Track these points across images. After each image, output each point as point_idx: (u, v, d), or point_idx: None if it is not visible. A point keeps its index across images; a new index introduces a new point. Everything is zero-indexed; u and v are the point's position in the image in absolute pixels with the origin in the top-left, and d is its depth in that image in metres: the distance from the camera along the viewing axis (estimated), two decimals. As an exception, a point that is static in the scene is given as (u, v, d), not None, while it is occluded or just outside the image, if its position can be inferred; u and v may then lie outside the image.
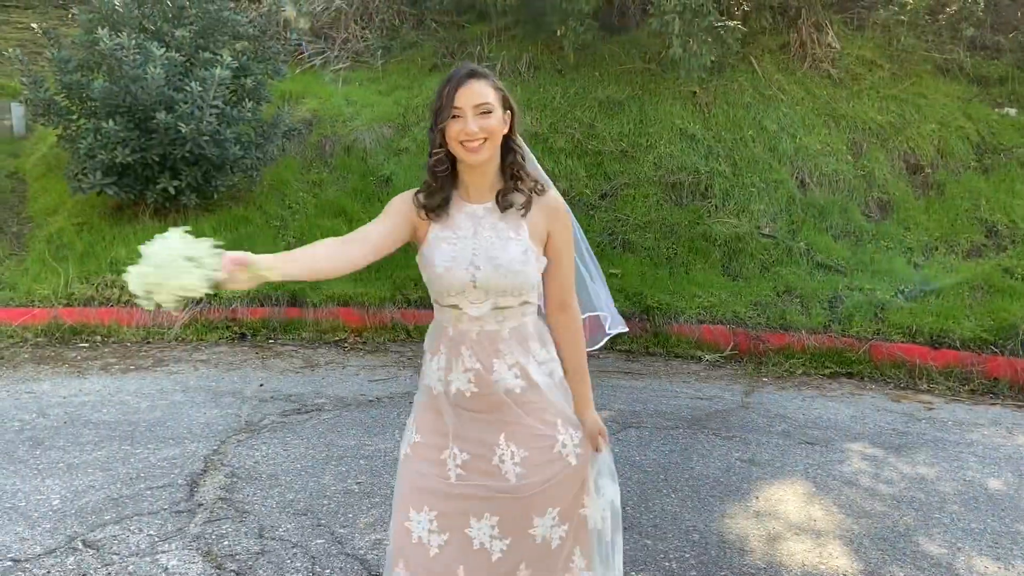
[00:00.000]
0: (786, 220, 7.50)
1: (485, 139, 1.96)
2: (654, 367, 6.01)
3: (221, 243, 1.69)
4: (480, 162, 1.99)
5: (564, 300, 2.11)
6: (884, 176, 7.91)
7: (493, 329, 2.03)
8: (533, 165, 2.13)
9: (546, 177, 2.14)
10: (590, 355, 2.17)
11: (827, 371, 5.94)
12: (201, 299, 6.50)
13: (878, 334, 6.12)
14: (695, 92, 8.45)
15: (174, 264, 1.62)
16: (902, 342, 6.01)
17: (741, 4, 8.24)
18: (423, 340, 2.15)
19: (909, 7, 8.49)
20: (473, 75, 1.99)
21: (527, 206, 2.05)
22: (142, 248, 1.66)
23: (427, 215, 2.03)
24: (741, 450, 4.43)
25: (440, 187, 2.04)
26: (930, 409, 5.25)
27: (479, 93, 1.97)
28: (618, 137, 8.19)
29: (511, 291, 2.01)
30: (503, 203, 2.04)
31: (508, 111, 2.03)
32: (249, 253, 1.71)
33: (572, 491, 2.06)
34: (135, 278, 1.64)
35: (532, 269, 2.02)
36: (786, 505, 3.78)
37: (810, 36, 8.81)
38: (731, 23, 7.69)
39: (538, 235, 2.04)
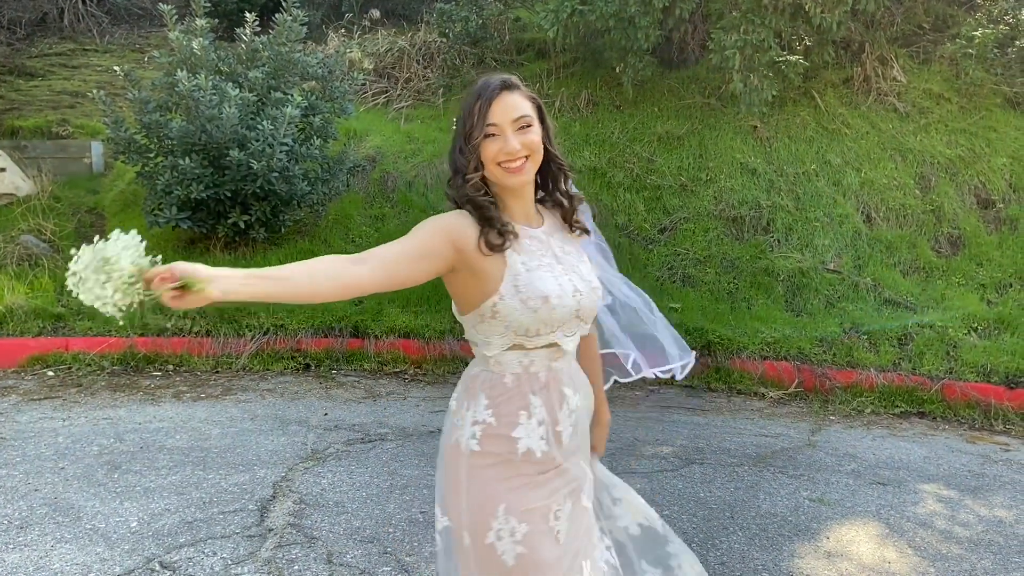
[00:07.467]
0: (852, 255, 7.36)
1: (527, 156, 1.73)
2: (716, 403, 5.93)
3: (159, 258, 1.48)
4: (523, 183, 1.76)
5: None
6: (954, 211, 7.73)
7: (574, 364, 1.86)
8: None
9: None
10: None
11: (897, 410, 5.78)
12: (268, 329, 6.78)
13: (951, 373, 5.94)
14: (756, 126, 8.42)
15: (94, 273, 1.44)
16: (976, 381, 5.82)
17: (803, 39, 8.21)
18: None
19: (977, 40, 8.36)
20: (507, 86, 1.74)
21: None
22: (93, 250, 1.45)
23: (496, 248, 1.71)
24: (809, 489, 4.33)
25: (499, 214, 1.75)
26: (1007, 451, 5.07)
27: (515, 106, 1.72)
28: (677, 171, 8.18)
29: (592, 318, 1.84)
30: (577, 227, 1.88)
31: (543, 122, 1.79)
32: (194, 266, 1.43)
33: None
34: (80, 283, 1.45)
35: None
36: (858, 546, 3.68)
37: (874, 70, 8.73)
38: (792, 58, 7.66)
39: None
